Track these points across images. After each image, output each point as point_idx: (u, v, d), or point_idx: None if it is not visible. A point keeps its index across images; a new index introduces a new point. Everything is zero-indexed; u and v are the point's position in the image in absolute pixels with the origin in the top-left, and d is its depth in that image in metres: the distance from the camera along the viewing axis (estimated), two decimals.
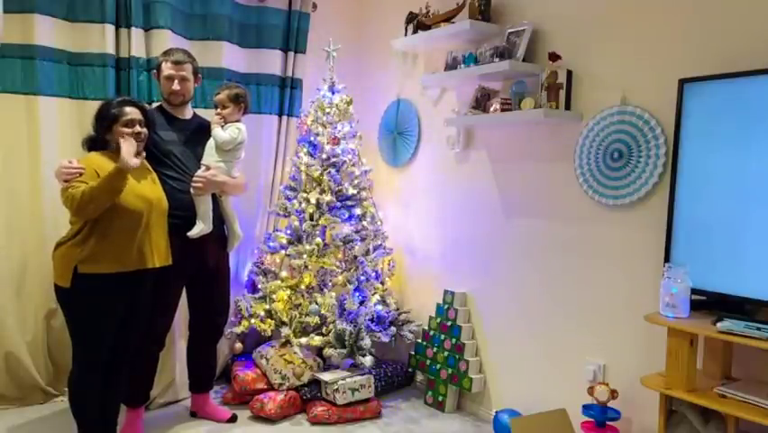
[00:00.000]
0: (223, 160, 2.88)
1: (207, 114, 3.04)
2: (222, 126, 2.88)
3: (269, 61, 3.64)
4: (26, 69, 3.00)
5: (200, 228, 2.79)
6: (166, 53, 2.84)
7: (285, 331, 3.24)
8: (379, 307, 3.39)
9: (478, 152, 3.28)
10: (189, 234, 2.76)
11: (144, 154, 2.53)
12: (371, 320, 3.33)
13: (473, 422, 3.16)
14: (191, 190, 2.78)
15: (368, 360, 3.20)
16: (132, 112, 2.47)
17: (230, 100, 2.92)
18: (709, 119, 2.17)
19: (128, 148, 2.36)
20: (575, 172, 2.76)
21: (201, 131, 2.91)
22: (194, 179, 2.79)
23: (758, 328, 1.94)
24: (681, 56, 2.37)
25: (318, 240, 3.34)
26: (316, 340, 3.23)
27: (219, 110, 2.92)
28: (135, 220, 2.42)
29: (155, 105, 2.98)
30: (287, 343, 3.25)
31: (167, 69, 2.80)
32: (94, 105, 2.60)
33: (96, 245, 2.34)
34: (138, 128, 2.48)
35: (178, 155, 2.79)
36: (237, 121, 2.95)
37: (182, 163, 2.80)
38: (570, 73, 2.73)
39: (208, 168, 2.84)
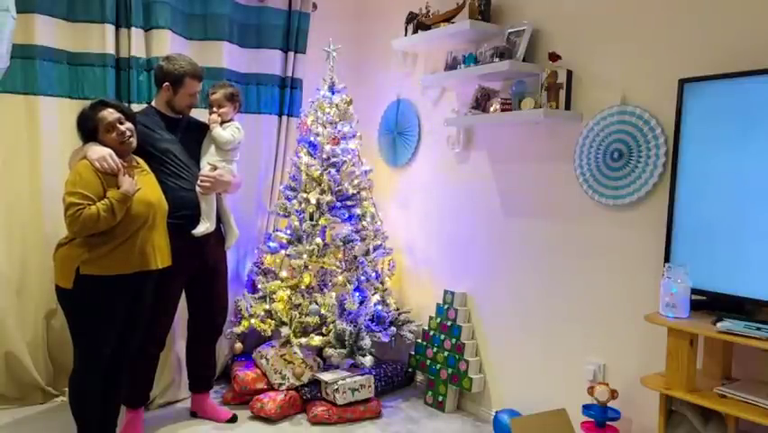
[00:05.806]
0: (223, 159, 2.89)
1: (201, 113, 3.04)
2: (220, 126, 2.89)
3: (269, 61, 3.64)
4: (26, 69, 3.00)
5: (205, 227, 2.79)
6: (194, 72, 2.80)
7: (285, 331, 3.24)
8: (379, 307, 3.39)
9: (478, 152, 3.28)
10: (194, 232, 2.76)
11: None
12: (371, 320, 3.33)
13: (473, 422, 3.16)
14: (197, 190, 2.78)
15: (368, 360, 3.20)
16: (108, 114, 2.40)
17: (226, 99, 2.93)
18: (710, 119, 2.17)
19: (128, 182, 2.34)
20: (575, 172, 2.76)
21: (192, 129, 2.92)
22: (201, 178, 2.79)
23: (758, 328, 1.94)
24: (681, 56, 2.37)
25: (318, 240, 3.34)
26: (316, 340, 3.23)
27: (215, 109, 2.92)
28: (138, 224, 2.41)
29: (143, 105, 2.99)
30: (287, 343, 3.25)
31: (194, 86, 2.81)
32: None
33: (99, 247, 2.33)
34: (120, 128, 2.41)
35: (176, 154, 2.79)
36: (231, 120, 2.95)
37: (181, 162, 2.80)
38: (570, 73, 2.73)
39: (215, 167, 2.84)
